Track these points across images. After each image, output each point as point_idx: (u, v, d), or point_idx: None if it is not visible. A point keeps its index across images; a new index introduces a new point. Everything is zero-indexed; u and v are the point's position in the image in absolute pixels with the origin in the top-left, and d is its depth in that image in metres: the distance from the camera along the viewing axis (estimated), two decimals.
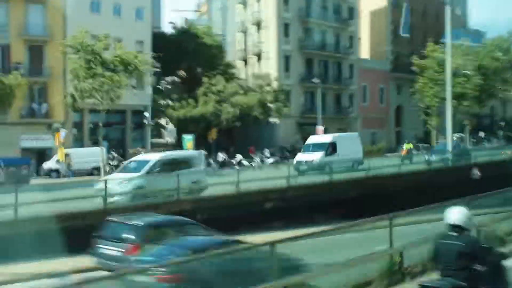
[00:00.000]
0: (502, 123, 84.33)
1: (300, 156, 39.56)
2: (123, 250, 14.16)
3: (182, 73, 63.85)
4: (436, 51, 68.38)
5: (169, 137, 63.73)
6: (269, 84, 58.68)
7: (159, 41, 65.17)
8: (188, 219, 16.88)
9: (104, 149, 44.00)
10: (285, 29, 66.20)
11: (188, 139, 46.24)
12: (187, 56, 63.18)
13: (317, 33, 69.45)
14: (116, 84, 38.32)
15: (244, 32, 74.85)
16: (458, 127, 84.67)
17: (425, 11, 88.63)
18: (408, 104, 76.71)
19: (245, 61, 74.35)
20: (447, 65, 45.85)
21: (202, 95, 56.27)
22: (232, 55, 78.27)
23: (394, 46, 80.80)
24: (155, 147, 55.84)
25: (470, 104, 74.15)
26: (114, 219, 15.94)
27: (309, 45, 68.14)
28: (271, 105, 57.18)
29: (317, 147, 39.64)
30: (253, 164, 46.95)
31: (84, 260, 15.89)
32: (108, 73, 38.17)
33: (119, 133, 58.30)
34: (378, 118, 77.41)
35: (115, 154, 45.42)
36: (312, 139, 43.45)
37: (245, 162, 46.87)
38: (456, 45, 72.57)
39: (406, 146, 53.89)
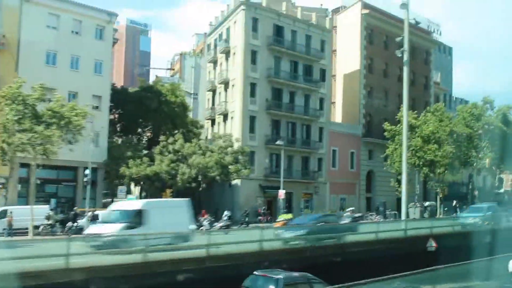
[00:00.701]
0: (475, 192, 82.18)
1: (93, 229, 30.10)
2: None
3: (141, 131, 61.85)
4: (408, 117, 66.75)
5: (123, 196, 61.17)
6: (230, 145, 56.43)
7: (122, 97, 63.66)
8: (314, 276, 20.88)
9: (38, 207, 41.50)
10: (251, 88, 64.57)
11: (131, 198, 43.66)
12: (149, 113, 61.40)
13: (286, 94, 67.89)
14: (47, 139, 35.91)
15: (213, 91, 73.45)
16: (430, 195, 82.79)
17: (414, 81, 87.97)
18: (380, 169, 74.78)
19: (213, 120, 72.65)
20: (404, 124, 43.01)
21: (158, 153, 53.99)
22: (202, 114, 76.91)
23: (368, 111, 79.41)
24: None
25: (441, 172, 72.48)
26: (258, 273, 20.60)
27: (277, 106, 66.38)
28: (230, 167, 54.69)
29: (121, 215, 29.58)
30: (202, 228, 44.26)
31: None
32: (39, 127, 35.84)
33: (71, 190, 55.67)
34: (347, 183, 75.28)
35: (51, 213, 42.65)
36: (116, 205, 33.32)
37: (192, 226, 44.04)
38: (432, 111, 71.59)
39: (283, 217, 50.26)
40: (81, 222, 43.49)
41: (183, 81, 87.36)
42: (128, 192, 64.51)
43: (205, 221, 45.88)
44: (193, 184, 54.59)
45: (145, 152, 55.29)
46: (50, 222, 41.47)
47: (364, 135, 78.12)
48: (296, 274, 20.95)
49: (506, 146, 77.41)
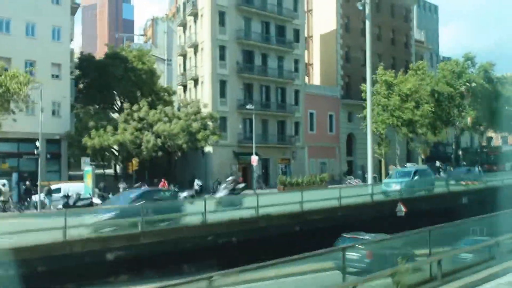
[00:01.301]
0: (460, 152, 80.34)
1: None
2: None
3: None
4: (385, 75, 64.62)
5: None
6: (197, 111, 54.03)
7: (89, 64, 61.17)
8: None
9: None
10: (221, 52, 61.91)
11: (87, 171, 41.24)
12: (114, 81, 58.88)
13: (258, 56, 65.26)
14: None
15: (184, 55, 70.76)
16: (411, 156, 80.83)
17: (393, 39, 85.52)
18: (360, 132, 72.44)
19: (185, 86, 70.14)
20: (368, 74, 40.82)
21: (123, 122, 51.58)
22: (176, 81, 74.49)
23: (346, 72, 76.94)
24: (74, 179, 51.34)
25: (423, 132, 70.55)
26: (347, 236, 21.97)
27: (248, 69, 63.84)
28: (198, 134, 52.38)
29: None
30: None
31: None
32: None
33: (33, 164, 53.25)
34: (327, 147, 73.24)
35: (2, 189, 40.29)
36: None
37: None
38: (414, 69, 69.37)
39: None
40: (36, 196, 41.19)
41: (155, 47, 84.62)
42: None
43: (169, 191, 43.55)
44: (159, 153, 52.33)
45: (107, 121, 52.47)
46: (2, 198, 39.11)
47: (343, 96, 75.86)
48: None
49: (489, 103, 75.45)
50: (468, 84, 73.93)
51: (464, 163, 78.39)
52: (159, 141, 50.86)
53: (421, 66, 70.88)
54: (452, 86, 72.21)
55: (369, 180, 38.07)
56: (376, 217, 32.89)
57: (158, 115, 51.58)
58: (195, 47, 65.30)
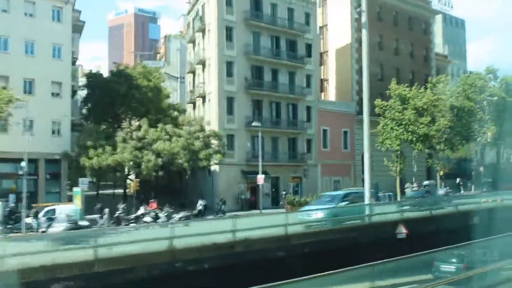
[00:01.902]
0: (481, 169, 77.14)
1: None
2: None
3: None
4: (398, 89, 62.26)
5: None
6: (200, 129, 52.29)
7: (94, 83, 60.26)
8: None
9: None
10: (228, 67, 60.24)
11: (77, 192, 39.70)
12: (117, 98, 57.66)
13: (267, 72, 63.43)
14: None
15: (193, 72, 69.36)
16: (431, 174, 77.74)
17: (412, 53, 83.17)
18: (377, 148, 69.85)
19: (194, 104, 68.65)
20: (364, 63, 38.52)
21: (122, 141, 50.06)
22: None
23: (362, 87, 74.38)
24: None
25: (441, 148, 67.91)
26: None
27: (257, 85, 62.02)
28: (201, 153, 50.61)
29: None
30: (159, 220, 40.41)
31: None
32: None
33: (32, 184, 52.06)
34: (341, 164, 70.79)
35: None
36: None
37: (147, 218, 40.28)
38: (434, 82, 66.92)
39: None
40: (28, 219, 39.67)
41: (168, 64, 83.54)
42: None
43: (163, 213, 41.83)
44: (160, 173, 50.69)
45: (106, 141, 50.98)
46: None
47: (358, 112, 73.25)
48: None
49: (510, 117, 72.38)
50: (490, 98, 71.08)
51: (489, 180, 75.37)
52: (159, 160, 49.06)
53: (441, 80, 68.31)
54: (472, 101, 69.36)
55: (366, 199, 35.46)
56: (374, 241, 30.64)
57: (158, 133, 49.87)
58: (203, 63, 63.87)
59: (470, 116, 69.15)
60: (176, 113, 63.32)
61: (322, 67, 78.79)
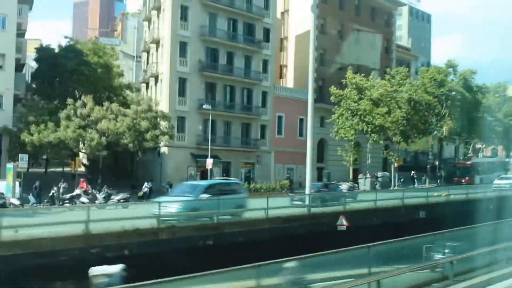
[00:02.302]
0: (436, 162, 76.98)
1: None
2: None
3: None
4: (355, 78, 61.40)
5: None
6: (148, 109, 50.56)
7: (44, 57, 57.94)
8: None
9: None
10: (182, 48, 58.51)
11: (9, 168, 37.83)
12: (65, 74, 55.52)
13: (223, 55, 61.91)
14: None
15: (147, 51, 67.39)
16: (388, 165, 77.07)
17: (373, 43, 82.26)
18: (333, 137, 69.06)
19: (147, 84, 66.80)
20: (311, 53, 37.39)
21: (65, 118, 48.06)
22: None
23: (321, 75, 73.37)
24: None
25: (398, 140, 67.38)
26: None
27: (212, 67, 60.47)
28: (147, 133, 48.94)
29: None
30: (97, 201, 38.71)
31: None
32: None
33: None
34: (296, 152, 69.51)
35: None
36: None
37: (84, 199, 38.50)
38: (392, 74, 66.23)
39: None
40: None
41: (125, 42, 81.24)
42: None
43: (101, 193, 40.13)
44: (104, 152, 48.96)
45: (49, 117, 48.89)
46: None
47: (316, 100, 72.03)
48: None
49: (468, 113, 72.20)
50: (448, 92, 70.72)
51: (442, 173, 75.24)
52: (103, 139, 47.24)
53: (400, 71, 67.71)
54: (431, 94, 68.85)
55: (307, 189, 34.40)
56: (313, 232, 29.58)
57: (104, 112, 48.04)
58: (157, 42, 62.06)
59: (428, 109, 68.68)
60: (129, 92, 61.48)
61: (282, 53, 77.57)
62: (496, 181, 58.92)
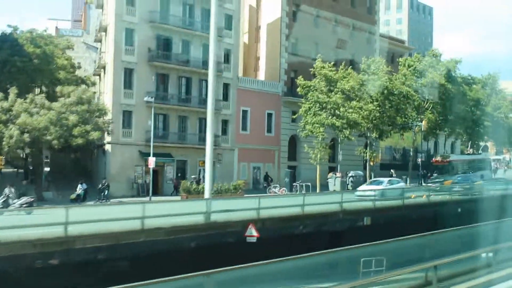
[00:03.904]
0: (419, 160, 71.35)
1: None
2: None
3: None
4: (324, 69, 56.07)
5: None
6: (80, 102, 45.42)
7: None
8: None
9: None
10: (129, 35, 53.38)
11: None
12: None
13: (177, 43, 56.72)
14: None
15: (100, 41, 62.40)
16: (364, 163, 71.39)
17: (353, 33, 76.83)
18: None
19: (100, 75, 61.87)
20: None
21: None
22: None
23: (293, 66, 67.98)
24: None
25: (374, 135, 62.18)
26: None
27: (164, 57, 55.34)
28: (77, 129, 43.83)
29: None
30: None
31: None
32: None
33: None
34: (263, 149, 64.46)
35: None
36: None
37: None
38: (368, 63, 61.15)
39: None
40: None
41: (87, 33, 76.29)
42: None
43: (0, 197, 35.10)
44: (28, 150, 44.00)
45: None
46: None
47: (287, 93, 66.95)
48: None
49: (452, 106, 66.59)
50: (430, 84, 65.13)
51: (421, 172, 69.64)
52: (26, 136, 42.14)
53: (375, 61, 62.46)
54: (411, 86, 63.43)
55: (206, 193, 29.09)
56: (210, 245, 24.42)
57: (26, 105, 42.97)
58: (105, 30, 56.93)
59: (406, 102, 63.29)
60: (84, 86, 56.73)
61: (257, 44, 72.35)
62: (362, 187, 45.93)
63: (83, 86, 52.17)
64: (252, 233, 25.75)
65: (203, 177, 58.12)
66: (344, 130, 56.59)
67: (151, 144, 48.39)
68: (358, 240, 23.28)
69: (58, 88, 46.80)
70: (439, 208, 38.79)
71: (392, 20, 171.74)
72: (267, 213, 27.68)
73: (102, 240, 21.23)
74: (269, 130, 65.40)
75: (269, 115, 65.40)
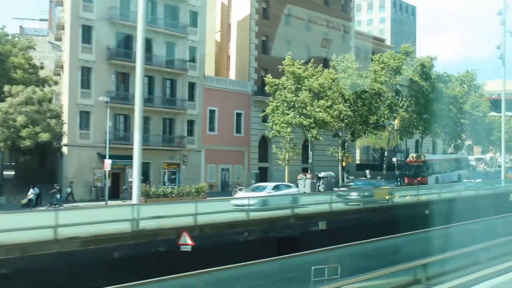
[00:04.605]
0: (394, 160, 69.52)
1: None
2: None
3: None
4: (292, 66, 54.08)
5: None
6: (29, 103, 43.14)
7: None
8: None
9: None
10: (86, 33, 51.11)
11: None
12: None
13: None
14: None
15: (60, 39, 60.15)
16: (348, 165, 69.00)
17: (327, 29, 74.86)
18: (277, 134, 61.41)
19: (59, 75, 59.64)
20: None
21: None
22: None
23: (263, 64, 65.90)
24: None
25: (346, 136, 60.33)
26: None
27: (124, 55, 53.11)
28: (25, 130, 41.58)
29: None
30: None
31: None
32: None
33: None
34: (233, 151, 62.35)
35: None
36: None
37: None
38: (337, 60, 59.36)
39: None
40: None
41: (53, 32, 73.75)
42: None
43: None
44: None
45: None
46: None
47: (257, 93, 64.85)
48: None
49: (427, 104, 64.77)
50: (403, 81, 63.38)
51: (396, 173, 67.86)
52: None
53: (346, 58, 60.66)
54: (384, 83, 61.62)
55: (134, 198, 26.86)
56: (140, 255, 22.29)
57: None
58: (63, 28, 54.65)
59: (378, 100, 61.48)
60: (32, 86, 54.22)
61: (230, 42, 70.22)
62: (240, 194, 41.81)
63: (33, 86, 49.53)
64: (187, 241, 23.59)
65: (168, 180, 56.86)
66: (312, 130, 54.69)
67: (107, 145, 46.03)
68: (313, 246, 21.41)
69: (6, 88, 44.43)
70: (404, 211, 36.80)
71: (375, 19, 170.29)
72: (206, 219, 25.47)
73: (7, 252, 18.99)
74: (238, 131, 63.31)
75: (238, 115, 63.32)
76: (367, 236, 21.99)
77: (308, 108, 53.29)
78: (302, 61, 56.63)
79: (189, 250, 23.51)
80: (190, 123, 58.65)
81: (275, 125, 54.04)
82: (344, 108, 55.61)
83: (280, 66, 55.53)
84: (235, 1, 68.70)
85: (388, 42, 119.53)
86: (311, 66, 55.81)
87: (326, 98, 55.94)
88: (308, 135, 54.69)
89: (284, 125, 53.58)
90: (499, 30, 52.92)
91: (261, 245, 27.18)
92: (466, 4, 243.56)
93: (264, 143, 65.73)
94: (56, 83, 60.77)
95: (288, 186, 37.64)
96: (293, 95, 53.81)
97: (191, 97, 58.72)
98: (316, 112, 53.53)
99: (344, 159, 60.41)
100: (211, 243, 24.77)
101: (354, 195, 37.13)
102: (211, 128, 60.84)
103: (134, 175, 26.47)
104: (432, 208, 38.10)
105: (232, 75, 68.13)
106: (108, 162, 45.73)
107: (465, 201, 40.55)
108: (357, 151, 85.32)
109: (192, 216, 24.83)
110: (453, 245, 21.82)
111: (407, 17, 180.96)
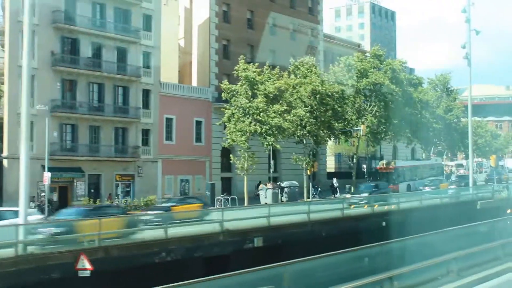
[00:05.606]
0: (364, 167, 66.76)
1: None
2: None
3: None
4: (246, 71, 51.18)
5: None
6: None
7: None
8: None
9: None
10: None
11: None
12: None
13: (87, 46, 51.50)
14: None
15: (3, 46, 56.91)
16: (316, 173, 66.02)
17: (294, 35, 72.16)
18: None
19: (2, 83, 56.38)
20: None
21: None
22: None
23: (225, 70, 62.93)
24: None
25: (310, 142, 57.51)
26: None
27: (71, 61, 50.13)
28: None
29: None
30: None
31: None
32: None
33: None
34: (192, 161, 59.35)
35: None
36: None
37: None
38: (296, 65, 56.56)
39: None
40: None
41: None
42: None
43: None
44: None
45: None
46: None
47: (218, 99, 61.83)
48: None
49: (397, 109, 62.15)
50: (372, 85, 60.77)
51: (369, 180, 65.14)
52: None
53: (305, 61, 57.91)
54: (351, 87, 58.97)
55: (21, 218, 23.78)
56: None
57: None
58: (3, 32, 51.57)
59: (342, 104, 58.71)
60: None
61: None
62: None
63: None
64: (85, 265, 20.51)
65: (122, 192, 53.80)
66: (268, 137, 51.48)
67: (46, 157, 42.91)
68: (247, 266, 18.62)
69: None
70: (356, 223, 33.98)
71: (355, 25, 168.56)
72: (112, 240, 22.43)
73: None
74: (198, 139, 60.37)
75: (198, 123, 60.38)
76: (313, 252, 19.49)
77: (261, 114, 50.20)
78: (256, 65, 53.58)
79: (88, 275, 20.48)
80: (145, 132, 55.68)
81: (230, 134, 51.00)
82: (304, 113, 52.67)
83: (234, 72, 52.56)
84: (196, 4, 65.80)
85: (367, 47, 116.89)
86: (266, 69, 52.74)
87: (281, 102, 52.87)
88: (265, 143, 51.60)
89: (239, 133, 50.52)
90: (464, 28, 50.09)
91: (183, 266, 24.21)
92: (445, 10, 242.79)
93: (227, 152, 62.56)
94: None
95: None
96: (247, 101, 50.78)
97: (146, 105, 55.77)
98: (271, 118, 50.37)
99: (308, 167, 57.29)
100: (118, 267, 21.73)
101: None
102: (169, 137, 57.82)
103: (21, 191, 23.37)
104: (389, 220, 35.41)
105: (194, 82, 65.24)
106: (47, 175, 42.63)
107: (425, 211, 37.85)
108: (332, 159, 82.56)
109: (96, 235, 21.73)
110: (414, 258, 20.44)
111: (387, 22, 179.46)
